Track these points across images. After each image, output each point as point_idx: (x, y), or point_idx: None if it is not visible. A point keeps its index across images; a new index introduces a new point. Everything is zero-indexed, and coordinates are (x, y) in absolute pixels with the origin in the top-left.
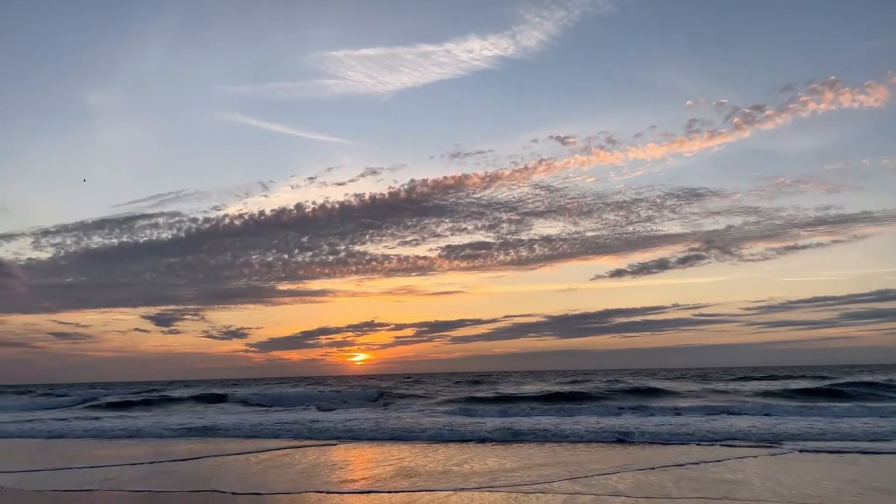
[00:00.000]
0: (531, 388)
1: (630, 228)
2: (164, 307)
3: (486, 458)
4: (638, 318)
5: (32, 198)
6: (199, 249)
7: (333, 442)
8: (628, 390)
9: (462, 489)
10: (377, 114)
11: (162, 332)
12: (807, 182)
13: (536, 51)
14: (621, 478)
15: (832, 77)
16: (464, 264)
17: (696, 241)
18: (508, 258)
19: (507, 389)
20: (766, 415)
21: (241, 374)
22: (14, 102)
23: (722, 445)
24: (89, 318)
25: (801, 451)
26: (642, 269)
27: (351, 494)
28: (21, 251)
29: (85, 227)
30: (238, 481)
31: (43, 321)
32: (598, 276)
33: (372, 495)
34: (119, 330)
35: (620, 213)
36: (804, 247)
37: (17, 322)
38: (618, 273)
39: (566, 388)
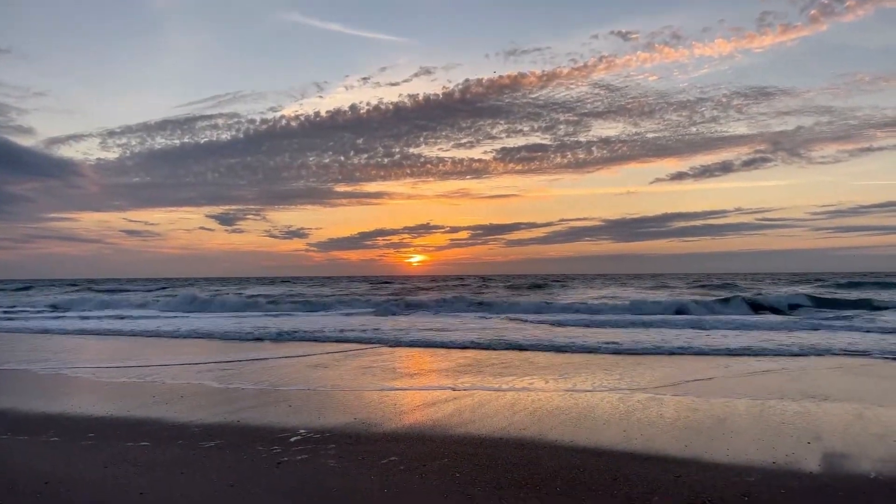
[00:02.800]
0: (597, 293)
1: (693, 129)
2: (227, 207)
3: (560, 363)
4: (698, 223)
5: (97, 99)
6: (257, 150)
7: (393, 346)
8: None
9: (525, 389)
10: (431, 11)
11: (226, 230)
12: (888, 79)
13: None
14: (671, 384)
15: None
16: (519, 167)
17: (762, 142)
18: (565, 161)
19: (580, 295)
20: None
21: (302, 273)
22: (79, 5)
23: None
24: (157, 217)
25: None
26: (704, 172)
27: (400, 391)
28: (90, 151)
29: (148, 128)
30: (284, 379)
31: (115, 219)
32: (657, 180)
33: (423, 392)
34: (185, 228)
35: (683, 114)
36: (880, 149)
37: (91, 220)
38: (678, 176)
39: (642, 296)
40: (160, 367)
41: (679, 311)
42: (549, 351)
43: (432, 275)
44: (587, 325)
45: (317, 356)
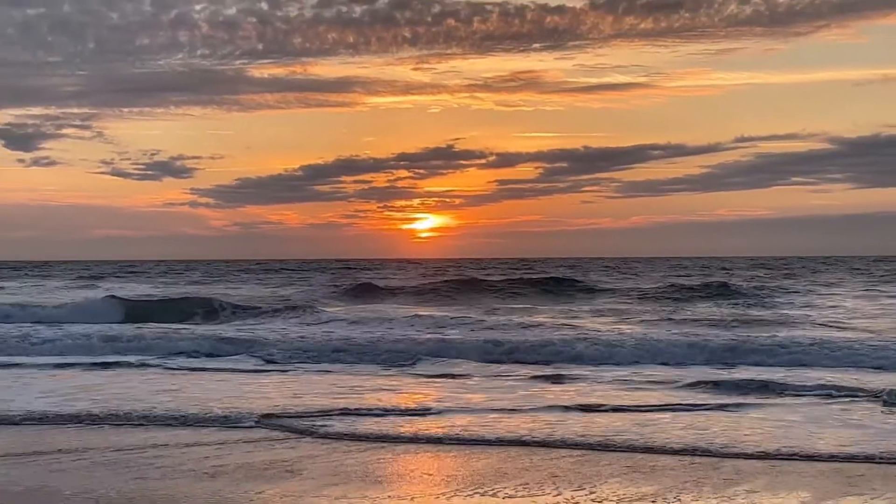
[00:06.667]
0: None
1: None
2: (20, 111)
3: None
4: None
5: None
6: None
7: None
8: None
9: None
10: None
11: (20, 161)
12: None
13: None
14: None
15: None
16: (647, 24)
17: None
18: (747, 10)
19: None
20: None
21: (183, 250)
22: None
23: None
24: None
25: None
26: None
27: None
28: None
29: None
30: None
31: None
32: None
33: None
34: None
35: None
36: None
37: None
38: None
39: None
40: None
41: None
42: None
43: (460, 258)
44: None
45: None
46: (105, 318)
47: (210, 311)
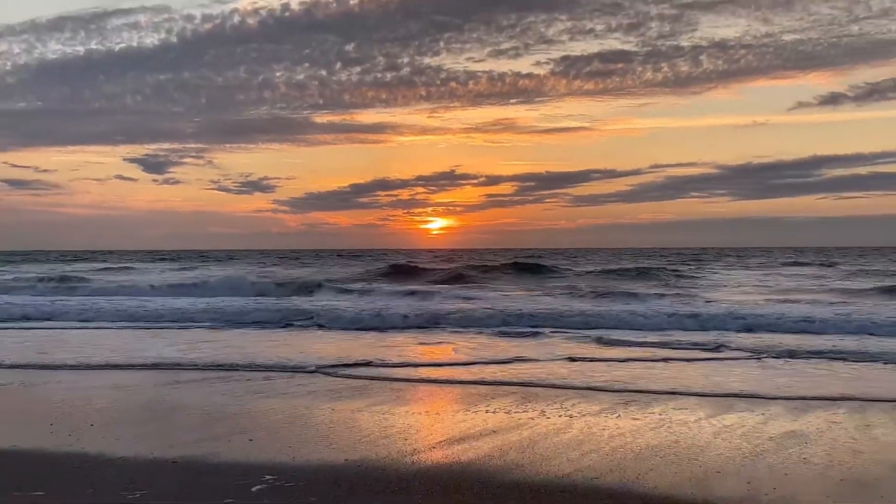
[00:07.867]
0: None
1: (854, 28)
2: (155, 145)
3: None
4: (863, 170)
5: None
6: (198, 62)
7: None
8: None
9: (599, 416)
10: None
11: (154, 181)
12: None
13: None
14: None
15: None
16: (590, 86)
17: None
18: (659, 77)
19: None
20: None
21: (268, 243)
22: None
23: None
24: (53, 161)
25: None
26: (872, 94)
27: (413, 420)
28: None
29: (37, 28)
30: (240, 402)
31: None
32: (800, 105)
33: (447, 423)
34: (95, 178)
35: (840, 4)
36: None
37: None
38: (832, 99)
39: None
40: (61, 371)
41: None
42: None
43: (460, 247)
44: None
45: (302, 375)
46: (221, 293)
47: (286, 288)
